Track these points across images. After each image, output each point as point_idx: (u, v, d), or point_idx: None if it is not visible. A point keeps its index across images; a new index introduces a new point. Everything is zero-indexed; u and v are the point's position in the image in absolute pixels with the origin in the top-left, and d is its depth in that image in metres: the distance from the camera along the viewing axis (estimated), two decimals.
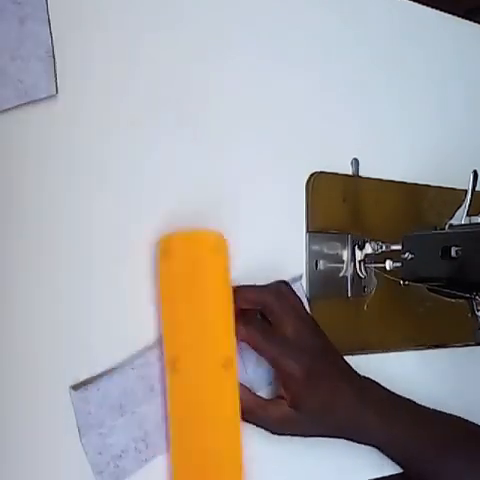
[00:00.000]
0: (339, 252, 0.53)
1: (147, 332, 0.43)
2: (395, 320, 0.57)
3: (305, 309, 0.47)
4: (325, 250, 0.52)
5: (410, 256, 0.50)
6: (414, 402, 0.49)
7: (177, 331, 0.41)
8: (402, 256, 0.50)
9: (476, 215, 0.49)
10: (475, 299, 0.50)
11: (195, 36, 0.47)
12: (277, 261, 0.50)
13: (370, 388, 0.47)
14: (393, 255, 0.52)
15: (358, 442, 0.46)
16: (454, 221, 0.50)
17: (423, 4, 0.61)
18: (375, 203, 0.56)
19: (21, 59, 0.39)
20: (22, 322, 0.39)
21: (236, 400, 0.42)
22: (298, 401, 0.43)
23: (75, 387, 0.39)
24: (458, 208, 0.50)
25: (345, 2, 0.56)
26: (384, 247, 0.53)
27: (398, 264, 0.51)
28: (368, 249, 0.53)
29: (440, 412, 0.50)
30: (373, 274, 0.55)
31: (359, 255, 0.54)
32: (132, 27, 0.44)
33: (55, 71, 0.40)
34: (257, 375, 0.47)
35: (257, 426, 0.44)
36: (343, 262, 0.54)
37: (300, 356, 0.43)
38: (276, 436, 0.45)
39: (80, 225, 0.41)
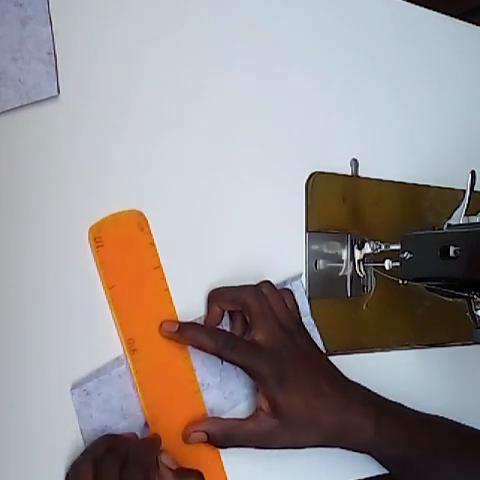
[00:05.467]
0: (338, 252, 0.54)
1: None
2: (394, 319, 0.57)
3: (288, 310, 0.46)
4: (325, 250, 0.53)
5: (409, 256, 0.50)
6: (402, 405, 0.48)
7: (128, 313, 0.42)
8: (401, 256, 0.50)
9: (474, 215, 0.49)
10: (473, 298, 0.50)
11: (196, 36, 0.47)
12: (277, 260, 0.50)
13: (357, 391, 0.46)
14: (392, 255, 0.52)
15: (348, 449, 0.45)
16: (452, 221, 0.50)
17: (421, 5, 0.62)
18: (374, 203, 0.56)
19: (22, 60, 0.39)
20: (24, 324, 0.39)
21: (191, 362, 0.44)
22: (276, 407, 0.42)
23: (76, 389, 0.40)
24: (456, 208, 0.50)
25: (344, 3, 0.56)
26: (383, 247, 0.53)
27: (397, 264, 0.51)
28: (367, 249, 0.53)
29: (428, 415, 0.49)
30: (372, 274, 0.55)
31: (358, 255, 0.54)
32: (133, 28, 0.44)
33: (56, 72, 0.40)
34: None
35: (244, 447, 0.43)
36: (342, 262, 0.54)
37: (270, 360, 0.42)
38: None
39: (83, 225, 0.41)
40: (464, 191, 0.49)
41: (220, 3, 0.48)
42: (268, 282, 0.47)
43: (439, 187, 0.61)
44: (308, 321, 0.50)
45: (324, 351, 0.50)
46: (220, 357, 0.43)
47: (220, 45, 0.48)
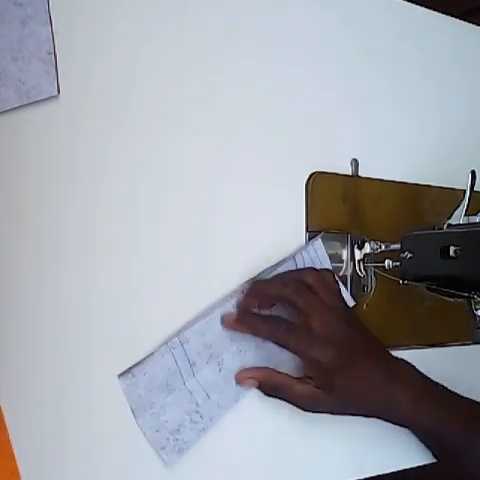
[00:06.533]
0: (339, 252, 0.54)
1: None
2: (394, 319, 0.57)
3: (334, 297, 0.47)
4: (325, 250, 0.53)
5: (409, 255, 0.50)
6: (442, 385, 0.50)
7: None
8: (401, 255, 0.50)
9: (474, 215, 0.49)
10: (474, 298, 0.50)
11: (196, 36, 0.47)
12: (277, 260, 0.50)
13: (400, 371, 0.48)
14: (393, 255, 0.52)
15: (388, 421, 0.48)
16: (453, 221, 0.50)
17: (421, 6, 0.62)
18: (374, 203, 0.56)
19: (22, 60, 0.39)
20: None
21: None
22: (327, 386, 0.44)
23: (123, 375, 0.41)
24: (456, 208, 0.50)
25: (345, 3, 0.56)
26: (383, 247, 0.53)
27: (397, 264, 0.51)
28: (367, 249, 0.53)
29: (465, 398, 0.51)
30: (372, 273, 0.55)
31: (358, 255, 0.54)
32: (133, 28, 0.44)
33: (56, 72, 0.40)
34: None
35: (287, 402, 0.46)
36: (343, 262, 0.54)
37: (327, 346, 0.44)
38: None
39: (82, 225, 0.41)
40: (464, 191, 0.49)
41: (221, 3, 0.48)
42: (311, 269, 0.48)
43: (439, 187, 0.60)
44: None
45: (353, 303, 0.52)
46: (277, 343, 0.44)
47: (220, 45, 0.48)
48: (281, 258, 0.50)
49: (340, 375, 0.44)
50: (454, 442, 0.49)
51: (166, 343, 0.43)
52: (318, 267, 0.50)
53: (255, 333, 0.45)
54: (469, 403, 0.51)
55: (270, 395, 0.46)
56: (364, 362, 0.46)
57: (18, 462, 0.37)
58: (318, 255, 0.51)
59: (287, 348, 0.44)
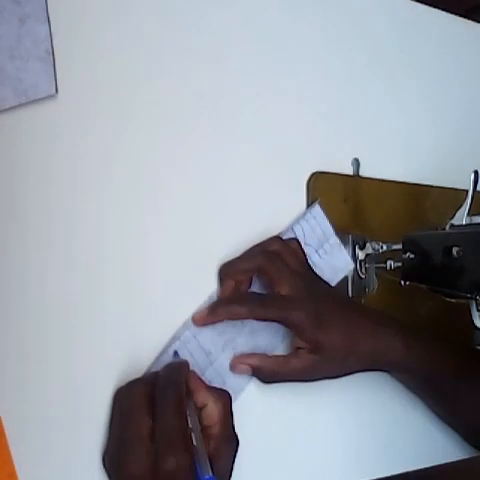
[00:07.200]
0: None
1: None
2: None
3: (299, 262, 0.47)
4: None
5: (411, 256, 0.49)
6: (424, 330, 0.50)
7: None
8: (403, 256, 0.50)
9: (477, 215, 0.48)
10: (476, 299, 0.50)
11: (196, 34, 0.47)
12: None
13: (382, 317, 0.48)
14: (394, 255, 0.52)
15: (382, 370, 0.49)
16: (455, 221, 0.49)
17: (423, 3, 0.61)
18: (376, 203, 0.55)
19: (21, 58, 0.38)
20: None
21: None
22: (317, 346, 0.44)
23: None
24: (459, 208, 0.49)
25: (345, 1, 0.56)
26: (385, 247, 0.53)
27: (399, 264, 0.51)
28: (369, 249, 0.53)
29: (451, 341, 0.52)
30: (374, 274, 0.54)
31: (360, 255, 0.54)
32: (133, 26, 0.44)
33: (55, 71, 0.40)
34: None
35: (285, 382, 0.45)
36: None
37: (303, 305, 0.44)
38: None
39: (81, 224, 0.41)
40: (466, 191, 0.49)
41: (222, 4, 0.48)
42: (276, 237, 0.47)
43: (441, 187, 0.60)
44: (334, 241, 0.51)
45: (352, 265, 0.53)
46: (255, 319, 0.44)
47: (222, 45, 0.48)
48: None
49: (322, 331, 0.44)
50: (443, 383, 0.49)
51: (179, 338, 0.43)
52: (320, 235, 0.50)
53: (233, 317, 0.44)
54: (456, 343, 0.51)
55: (268, 381, 0.46)
56: (341, 315, 0.46)
57: (15, 465, 0.37)
58: (318, 222, 0.51)
59: (268, 320, 0.44)
